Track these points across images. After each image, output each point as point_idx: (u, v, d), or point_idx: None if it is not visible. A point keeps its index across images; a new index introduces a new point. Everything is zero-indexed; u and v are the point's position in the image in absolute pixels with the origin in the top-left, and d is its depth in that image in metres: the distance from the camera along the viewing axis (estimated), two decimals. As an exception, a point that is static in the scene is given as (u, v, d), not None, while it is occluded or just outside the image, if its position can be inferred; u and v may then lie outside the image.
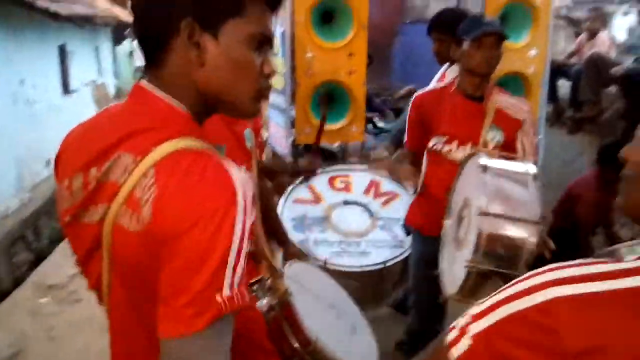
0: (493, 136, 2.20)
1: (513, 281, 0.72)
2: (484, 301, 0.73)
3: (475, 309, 0.72)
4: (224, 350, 0.82)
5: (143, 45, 0.91)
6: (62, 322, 3.68)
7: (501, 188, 1.70)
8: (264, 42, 0.91)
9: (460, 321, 0.73)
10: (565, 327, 0.63)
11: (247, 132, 1.68)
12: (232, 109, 0.94)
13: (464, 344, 0.70)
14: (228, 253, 0.79)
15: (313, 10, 3.13)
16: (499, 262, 1.62)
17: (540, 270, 0.70)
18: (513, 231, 1.62)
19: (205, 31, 0.86)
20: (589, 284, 0.65)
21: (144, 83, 0.92)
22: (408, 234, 2.67)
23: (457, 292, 1.73)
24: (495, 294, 0.72)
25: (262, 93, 0.94)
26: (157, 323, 0.80)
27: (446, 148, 2.25)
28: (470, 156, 1.98)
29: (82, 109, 8.97)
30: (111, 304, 0.97)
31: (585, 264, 0.68)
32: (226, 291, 0.79)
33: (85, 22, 8.78)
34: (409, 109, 2.42)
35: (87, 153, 0.91)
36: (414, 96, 2.44)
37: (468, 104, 2.23)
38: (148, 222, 0.82)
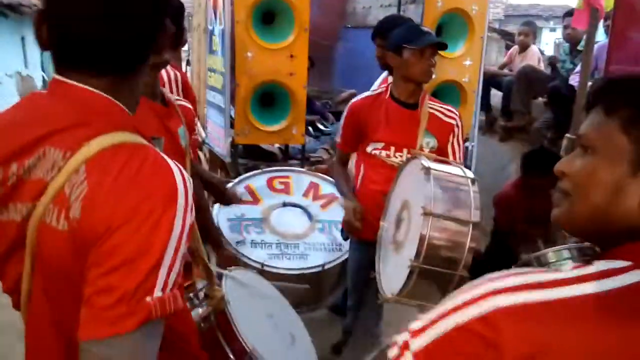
0: (428, 141, 2.26)
1: (453, 294, 0.71)
2: (425, 316, 0.72)
3: (415, 324, 0.72)
4: (151, 356, 0.77)
5: (100, 63, 0.86)
6: (-24, 329, 3.43)
7: (443, 190, 1.74)
8: None
9: (401, 337, 0.72)
10: (506, 339, 0.64)
11: (182, 130, 1.63)
12: None
13: None
14: (164, 253, 0.76)
15: (254, 10, 3.09)
16: (440, 262, 1.66)
17: (479, 281, 0.70)
18: (455, 231, 1.66)
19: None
20: (529, 292, 0.66)
21: (62, 77, 0.86)
22: (346, 238, 2.68)
23: (399, 292, 1.74)
24: (435, 309, 0.71)
25: None
26: (78, 326, 0.75)
27: (384, 153, 2.28)
28: (410, 159, 2.02)
29: (5, 100, 8.47)
30: (30, 309, 0.90)
31: (523, 274, 0.69)
32: (158, 293, 0.75)
33: (10, 10, 8.29)
34: (345, 112, 2.44)
35: (6, 146, 0.84)
36: (350, 102, 2.47)
37: (402, 110, 2.27)
38: (77, 220, 0.77)
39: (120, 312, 0.73)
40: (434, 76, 2.29)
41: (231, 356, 1.13)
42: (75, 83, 0.85)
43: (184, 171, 0.83)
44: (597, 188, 0.72)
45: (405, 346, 0.70)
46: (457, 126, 2.30)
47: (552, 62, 4.80)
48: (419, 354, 0.68)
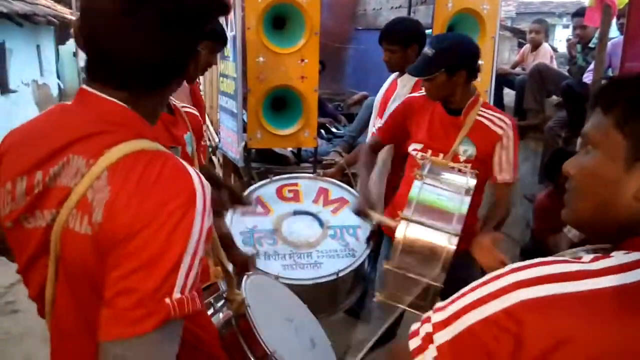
0: (465, 149, 2.22)
1: (473, 284, 0.72)
2: (446, 307, 0.72)
3: (438, 316, 0.72)
4: (170, 357, 0.79)
5: (124, 79, 0.88)
6: (1, 334, 3.50)
7: (431, 197, 1.74)
8: None
9: (423, 328, 0.73)
10: (530, 332, 0.64)
11: (188, 137, 1.65)
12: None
13: (430, 354, 0.69)
14: (183, 256, 0.78)
15: (265, 15, 3.10)
16: (413, 268, 1.66)
17: (501, 272, 0.71)
18: (431, 240, 1.66)
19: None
20: (553, 284, 0.67)
21: (88, 87, 0.89)
22: (368, 242, 2.69)
23: (380, 291, 1.76)
24: (457, 299, 0.72)
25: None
26: (99, 326, 0.76)
27: (420, 155, 2.28)
28: (421, 166, 2.02)
29: (21, 109, 8.60)
30: (54, 314, 0.92)
31: (546, 264, 0.70)
32: (177, 294, 0.77)
33: (25, 20, 8.41)
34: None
35: (31, 156, 0.87)
36: (408, 96, 2.49)
37: (446, 115, 2.26)
38: (100, 224, 0.79)
39: (139, 314, 0.75)
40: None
41: (252, 358, 1.14)
42: (99, 94, 0.88)
43: (202, 176, 0.85)
44: (598, 185, 0.75)
45: (429, 338, 0.71)
46: (507, 136, 2.19)
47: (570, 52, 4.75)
48: (443, 348, 0.69)
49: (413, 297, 1.67)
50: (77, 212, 0.82)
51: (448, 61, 2.12)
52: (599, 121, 0.77)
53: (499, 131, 2.20)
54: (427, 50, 2.19)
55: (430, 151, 2.25)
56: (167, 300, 0.76)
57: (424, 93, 2.35)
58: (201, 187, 0.82)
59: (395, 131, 2.42)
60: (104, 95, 0.87)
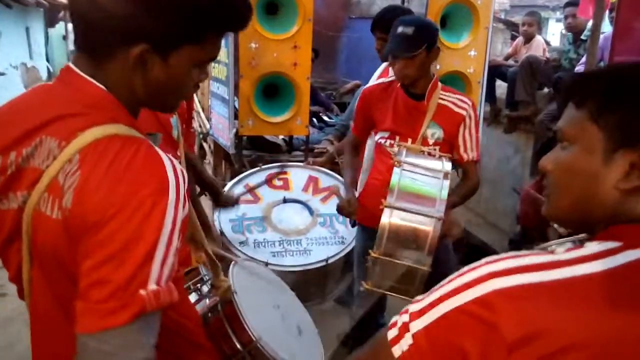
0: (433, 132, 2.26)
1: (450, 276, 0.73)
2: (423, 298, 0.74)
3: (415, 306, 0.74)
4: (147, 349, 0.78)
5: (84, 41, 0.86)
6: (-14, 318, 3.48)
7: (411, 183, 1.75)
8: (210, 61, 0.92)
9: (400, 318, 0.74)
10: (503, 319, 0.65)
11: (174, 120, 1.63)
12: (158, 109, 0.98)
13: (406, 342, 0.71)
14: (156, 246, 0.76)
15: (258, 1, 3.08)
16: (400, 254, 1.67)
17: (476, 264, 0.72)
18: (416, 225, 1.66)
19: (156, 53, 0.84)
20: (525, 274, 0.68)
21: (73, 66, 0.87)
22: (353, 225, 2.70)
23: (367, 280, 1.77)
24: (434, 291, 0.73)
25: (190, 97, 0.96)
26: (75, 318, 0.76)
27: (389, 142, 2.30)
28: (398, 151, 2.03)
29: (10, 92, 8.48)
30: (32, 298, 0.91)
31: (520, 256, 0.71)
32: (152, 285, 0.76)
33: (14, 1, 8.28)
34: (357, 99, 2.46)
35: (7, 135, 0.86)
36: (363, 87, 2.48)
37: (409, 101, 2.28)
38: (69, 209, 0.78)
39: (113, 306, 0.74)
40: (437, 67, 2.28)
41: (238, 346, 1.14)
42: (80, 73, 0.86)
43: (177, 165, 0.82)
44: (577, 179, 0.76)
45: (405, 327, 0.72)
46: (469, 116, 2.28)
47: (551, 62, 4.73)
48: (419, 335, 0.70)
49: (400, 283, 1.68)
50: (48, 195, 0.81)
51: (427, 39, 2.18)
52: (573, 116, 0.78)
53: (462, 112, 2.27)
54: (404, 29, 2.19)
55: (397, 137, 2.27)
56: (142, 291, 0.75)
57: (381, 81, 2.42)
58: (174, 176, 0.80)
59: (365, 124, 2.44)
60: (84, 76, 0.85)
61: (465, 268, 0.73)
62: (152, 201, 0.76)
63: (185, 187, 0.82)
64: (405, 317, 0.73)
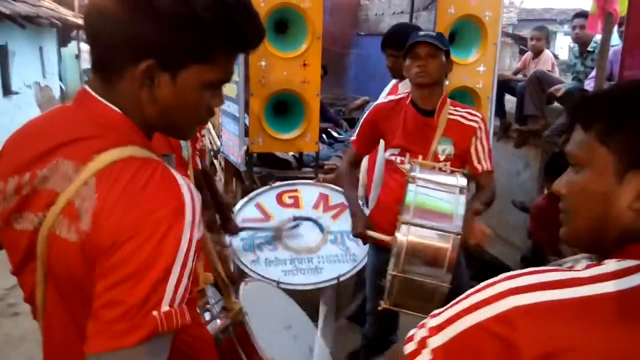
0: (443, 149, 2.26)
1: (468, 292, 0.73)
2: (441, 313, 0.74)
3: (433, 321, 0.73)
4: None
5: (97, 59, 0.87)
6: (1, 336, 3.49)
7: (427, 199, 1.74)
8: (221, 83, 0.91)
9: (418, 333, 0.74)
10: (522, 337, 0.65)
11: (183, 142, 1.64)
12: (172, 134, 0.97)
13: (424, 358, 0.71)
14: (171, 268, 0.76)
15: (267, 19, 3.11)
16: (420, 272, 1.65)
17: (495, 279, 0.72)
18: (435, 242, 1.65)
19: (165, 71, 0.84)
20: (545, 292, 0.67)
21: (89, 89, 0.89)
22: (365, 243, 2.69)
23: (385, 299, 1.75)
24: (452, 306, 0.73)
25: (204, 122, 0.96)
26: (86, 339, 0.75)
27: (399, 159, 2.29)
28: (411, 168, 2.02)
29: (23, 111, 8.61)
30: (46, 318, 0.91)
31: (539, 272, 0.71)
32: (165, 307, 0.75)
33: (28, 22, 8.43)
34: (368, 111, 2.45)
35: (23, 156, 0.87)
36: (374, 103, 2.48)
37: (419, 117, 2.28)
38: (87, 232, 0.78)
39: (125, 326, 0.73)
40: (446, 83, 2.28)
41: (250, 367, 1.14)
42: (95, 95, 0.87)
43: (192, 186, 0.83)
44: (591, 201, 0.76)
45: (423, 343, 0.72)
46: (480, 128, 2.27)
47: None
48: (437, 351, 0.70)
49: (419, 301, 1.66)
50: (63, 218, 0.81)
51: (446, 45, 2.22)
52: (581, 139, 0.78)
53: (473, 124, 2.27)
54: (427, 32, 2.25)
55: (408, 154, 2.27)
56: (155, 313, 0.74)
57: (390, 98, 2.41)
58: (190, 197, 0.80)
59: (370, 141, 2.42)
60: (99, 98, 0.86)
61: (484, 283, 0.72)
62: (169, 223, 0.77)
63: (200, 208, 0.82)
64: (423, 332, 0.73)
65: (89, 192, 0.79)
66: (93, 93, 0.87)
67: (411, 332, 0.75)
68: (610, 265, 0.70)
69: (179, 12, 0.81)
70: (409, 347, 0.73)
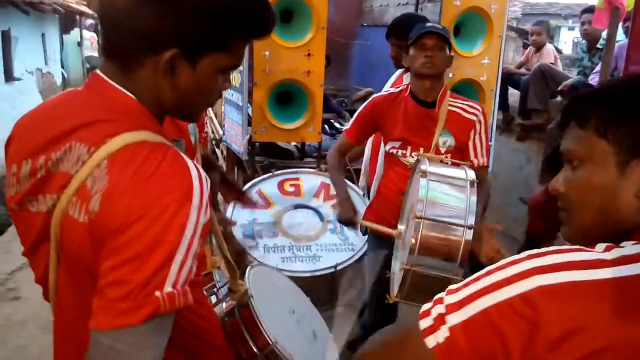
0: (444, 141, 2.26)
1: (489, 268, 0.72)
2: (459, 289, 0.72)
3: (451, 298, 0.72)
4: (157, 349, 0.80)
5: (113, 47, 0.88)
6: (1, 320, 3.51)
7: (438, 193, 1.74)
8: (235, 68, 0.94)
9: (435, 309, 0.72)
10: (547, 318, 0.65)
11: (191, 127, 1.65)
12: (183, 118, 0.99)
13: (442, 334, 0.69)
14: (176, 250, 0.78)
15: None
16: (434, 266, 1.66)
17: (519, 257, 0.71)
18: (448, 236, 1.66)
19: (186, 59, 0.86)
20: (570, 272, 0.67)
21: (101, 73, 0.89)
22: (365, 233, 2.70)
23: (397, 294, 1.76)
24: (472, 282, 0.72)
25: (213, 104, 0.99)
26: (91, 316, 0.77)
27: (400, 152, 2.29)
28: (416, 162, 2.02)
29: (26, 97, 8.61)
30: (57, 299, 0.93)
31: (564, 251, 0.70)
32: (168, 288, 0.77)
33: (31, 8, 8.41)
34: (365, 103, 2.44)
35: (37, 139, 0.88)
36: (372, 96, 2.48)
37: (420, 109, 2.27)
38: (95, 213, 0.80)
39: (128, 305, 0.75)
40: (450, 75, 2.28)
41: (254, 349, 1.15)
42: (108, 80, 0.88)
43: (202, 172, 0.84)
44: (595, 195, 0.77)
45: (441, 319, 0.70)
46: (479, 122, 2.28)
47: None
48: (456, 329, 0.69)
49: (432, 294, 1.66)
50: (76, 199, 0.83)
51: (449, 41, 2.24)
52: (578, 136, 0.79)
53: (473, 118, 2.27)
54: (433, 24, 2.27)
55: (409, 147, 2.27)
56: (157, 293, 0.76)
57: (390, 91, 2.40)
58: (199, 182, 0.82)
59: (365, 132, 2.43)
60: (112, 83, 0.87)
61: (506, 261, 0.71)
62: (176, 207, 0.78)
63: (208, 193, 0.83)
64: (440, 308, 0.72)
65: (101, 173, 0.81)
66: (106, 78, 0.88)
67: (426, 307, 0.74)
68: (631, 247, 0.70)
69: (205, 3, 0.83)
70: (424, 322, 0.71)
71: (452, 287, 0.74)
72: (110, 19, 0.86)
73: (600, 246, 0.71)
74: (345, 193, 2.37)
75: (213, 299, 1.24)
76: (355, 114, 2.47)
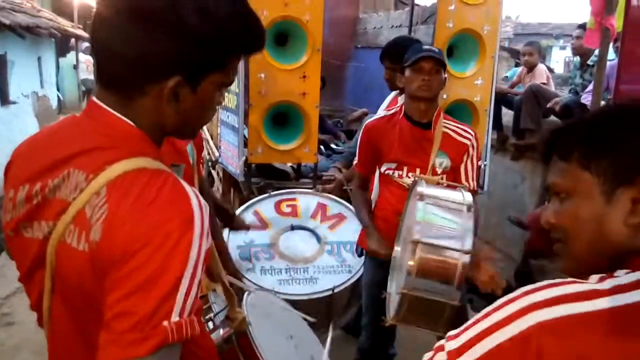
0: (441, 162, 2.27)
1: (486, 311, 0.72)
2: (459, 335, 0.73)
3: (452, 344, 0.72)
4: None
5: (110, 75, 0.87)
6: (-7, 346, 3.46)
7: (435, 217, 1.74)
8: (230, 84, 0.95)
9: (437, 357, 0.72)
10: (547, 352, 0.65)
11: (190, 149, 1.65)
12: (182, 136, 0.99)
13: None
14: (181, 279, 0.77)
15: (268, 32, 3.13)
16: (430, 290, 1.65)
17: (514, 296, 0.71)
18: (445, 260, 1.65)
19: (188, 84, 0.86)
20: (566, 305, 0.67)
21: (97, 100, 0.89)
22: (360, 255, 2.68)
23: (393, 316, 1.75)
24: (471, 326, 0.72)
25: (210, 119, 0.99)
26: (98, 348, 0.76)
27: (397, 174, 2.30)
28: (414, 184, 2.02)
29: (21, 120, 8.60)
30: (51, 327, 0.92)
31: (558, 285, 0.70)
32: (175, 318, 0.76)
33: (27, 32, 8.45)
34: (360, 132, 2.46)
35: (34, 166, 0.88)
36: (365, 121, 2.49)
37: (416, 130, 2.28)
38: (97, 242, 0.79)
39: (136, 337, 0.74)
40: (444, 96, 2.29)
41: (252, 377, 1.14)
42: (105, 107, 0.88)
43: (200, 198, 0.84)
44: (584, 226, 0.77)
45: None
46: (472, 147, 2.30)
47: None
48: None
49: (428, 317, 1.66)
50: (74, 227, 0.82)
51: (445, 63, 2.25)
52: (562, 169, 0.80)
53: (466, 142, 2.29)
54: (430, 47, 2.28)
55: (406, 168, 2.27)
56: (165, 323, 0.75)
57: (384, 114, 2.43)
58: (199, 209, 0.81)
59: (371, 159, 2.43)
60: (109, 110, 0.87)
61: (501, 301, 0.72)
62: (179, 234, 0.78)
63: (208, 219, 0.83)
64: (442, 356, 0.72)
65: (100, 201, 0.80)
66: (103, 105, 0.88)
67: (427, 356, 0.74)
68: (625, 277, 0.70)
69: (206, 28, 0.83)
70: None
71: (451, 333, 0.75)
72: (103, 47, 0.86)
73: (594, 277, 0.72)
74: (371, 227, 2.35)
75: (209, 325, 1.23)
76: (356, 145, 2.49)
